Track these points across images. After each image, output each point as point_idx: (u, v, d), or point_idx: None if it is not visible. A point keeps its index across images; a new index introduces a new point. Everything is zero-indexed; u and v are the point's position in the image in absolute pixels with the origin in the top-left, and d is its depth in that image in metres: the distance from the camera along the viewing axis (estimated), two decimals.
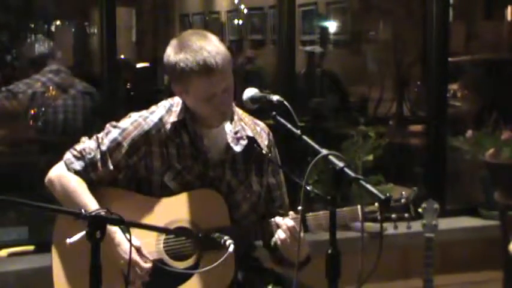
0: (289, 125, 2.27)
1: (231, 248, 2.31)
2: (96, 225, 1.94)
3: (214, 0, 9.37)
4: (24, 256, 3.69)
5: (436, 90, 4.65)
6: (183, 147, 2.59)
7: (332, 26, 7.16)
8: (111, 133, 2.59)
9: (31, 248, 3.73)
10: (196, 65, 2.43)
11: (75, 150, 2.59)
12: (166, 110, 2.61)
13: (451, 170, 4.70)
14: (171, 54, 2.50)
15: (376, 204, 2.56)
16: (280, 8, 4.28)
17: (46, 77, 4.19)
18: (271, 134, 2.74)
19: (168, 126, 2.58)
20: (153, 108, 2.65)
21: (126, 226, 2.17)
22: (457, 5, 6.15)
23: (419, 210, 2.62)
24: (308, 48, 6.73)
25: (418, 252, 3.48)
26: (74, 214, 2.00)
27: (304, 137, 2.21)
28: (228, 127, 2.64)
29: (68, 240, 2.03)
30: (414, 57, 5.88)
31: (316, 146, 2.16)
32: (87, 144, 2.60)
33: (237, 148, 2.64)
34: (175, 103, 2.63)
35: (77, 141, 2.64)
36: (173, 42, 2.53)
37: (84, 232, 1.95)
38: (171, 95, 2.65)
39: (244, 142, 2.65)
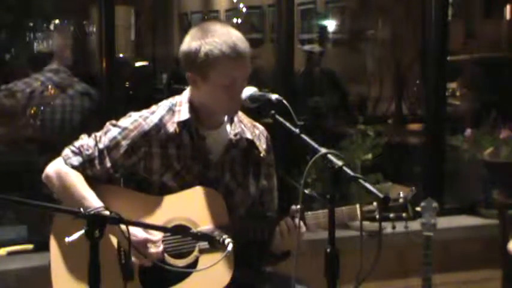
0: (288, 124, 2.27)
1: (229, 247, 2.31)
2: (94, 224, 1.94)
3: None
4: (23, 255, 3.69)
5: (435, 89, 4.65)
6: (183, 148, 2.58)
7: (331, 24, 7.15)
8: (110, 132, 2.58)
9: (30, 246, 3.73)
10: (227, 47, 2.45)
11: (74, 146, 2.60)
12: (167, 110, 2.61)
13: (449, 168, 4.71)
14: (192, 40, 2.51)
15: (375, 203, 2.56)
16: (279, 6, 4.28)
17: (45, 76, 4.19)
18: (269, 137, 2.74)
19: (169, 126, 2.58)
20: (153, 108, 2.64)
21: (124, 225, 2.16)
22: (456, 3, 6.15)
23: (418, 209, 2.62)
24: (307, 47, 6.72)
25: (416, 251, 3.49)
26: (73, 213, 2.00)
27: (303, 136, 2.21)
28: (228, 129, 2.64)
29: (67, 239, 2.03)
30: (413, 56, 5.88)
31: (315, 145, 2.16)
32: (85, 141, 2.60)
33: (236, 150, 2.64)
34: (177, 103, 2.62)
35: (74, 140, 2.64)
36: (193, 31, 2.54)
37: (82, 231, 1.95)
38: (170, 93, 2.65)
39: (243, 145, 2.65)
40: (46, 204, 2.05)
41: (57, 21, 5.21)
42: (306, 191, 2.45)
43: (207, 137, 2.60)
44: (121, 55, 7.59)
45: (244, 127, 2.67)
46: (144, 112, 2.62)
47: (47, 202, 2.07)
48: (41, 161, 4.04)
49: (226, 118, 2.65)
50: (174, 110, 2.60)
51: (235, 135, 2.64)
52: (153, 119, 2.58)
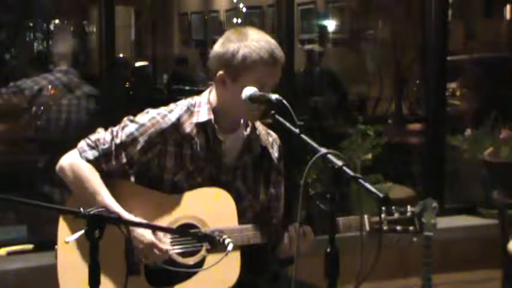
0: (288, 124, 2.26)
1: (229, 247, 2.31)
2: (94, 224, 1.94)
3: None
4: (23, 255, 3.70)
5: (435, 89, 4.65)
6: (198, 149, 2.58)
7: (331, 24, 7.16)
8: (128, 127, 2.57)
9: (30, 246, 3.74)
10: (266, 52, 2.46)
11: (90, 139, 2.57)
12: (185, 110, 2.59)
13: (449, 168, 4.71)
14: (228, 42, 2.50)
15: (383, 215, 2.57)
16: (279, 6, 4.28)
17: (54, 76, 4.22)
18: (281, 146, 2.75)
19: (186, 126, 2.57)
20: (171, 106, 2.63)
21: (125, 225, 2.17)
22: (456, 3, 6.16)
23: (424, 222, 2.62)
24: (307, 47, 6.73)
25: (417, 251, 3.48)
26: (73, 213, 2.00)
27: (303, 136, 2.21)
28: (244, 134, 2.64)
29: (67, 239, 2.03)
30: (413, 56, 5.89)
31: (315, 145, 2.15)
32: (102, 135, 2.58)
33: (249, 156, 2.65)
34: (196, 103, 2.61)
35: (78, 141, 2.63)
36: (228, 34, 2.54)
37: (82, 231, 1.95)
38: (170, 93, 2.65)
39: (256, 151, 2.66)
40: (46, 204, 2.05)
41: (57, 21, 5.21)
42: (321, 205, 2.45)
43: (223, 141, 2.60)
44: (121, 55, 7.61)
45: (259, 134, 2.67)
46: (162, 110, 2.61)
47: (46, 202, 2.07)
48: (45, 160, 4.06)
49: (242, 122, 2.65)
50: (192, 110, 2.59)
51: (250, 141, 2.65)
52: (171, 118, 2.57)
